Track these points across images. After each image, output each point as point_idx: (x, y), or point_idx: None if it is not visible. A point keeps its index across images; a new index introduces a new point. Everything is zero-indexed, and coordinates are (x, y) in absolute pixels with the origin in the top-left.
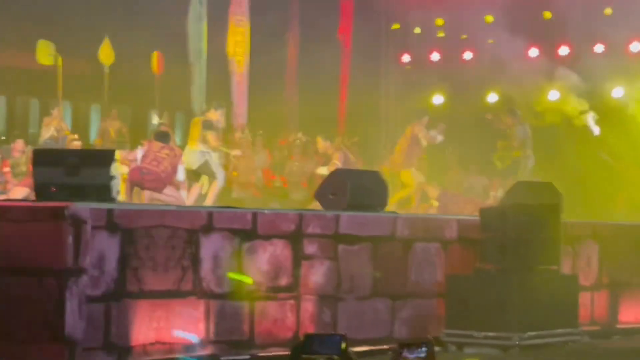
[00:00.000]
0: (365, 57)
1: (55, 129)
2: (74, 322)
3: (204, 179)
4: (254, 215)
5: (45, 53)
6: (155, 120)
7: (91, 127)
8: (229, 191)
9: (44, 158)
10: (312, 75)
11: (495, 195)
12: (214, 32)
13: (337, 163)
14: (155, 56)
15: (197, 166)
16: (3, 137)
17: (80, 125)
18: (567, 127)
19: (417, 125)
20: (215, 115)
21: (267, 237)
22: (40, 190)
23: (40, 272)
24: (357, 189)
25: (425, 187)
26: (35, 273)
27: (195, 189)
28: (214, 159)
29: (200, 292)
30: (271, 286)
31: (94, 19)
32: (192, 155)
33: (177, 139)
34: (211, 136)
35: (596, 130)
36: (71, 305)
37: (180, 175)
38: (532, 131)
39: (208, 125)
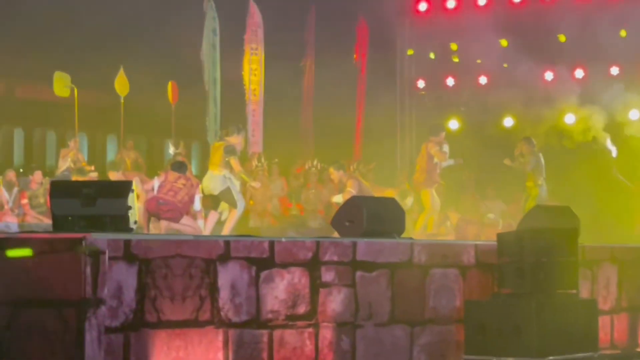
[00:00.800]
0: (381, 83)
1: (72, 160)
2: (93, 353)
3: (223, 205)
4: (271, 243)
5: (62, 85)
6: (171, 150)
7: (108, 158)
8: (246, 220)
9: (61, 190)
10: (327, 102)
11: (491, 218)
12: (229, 61)
13: (351, 191)
14: (170, 86)
15: (219, 192)
16: (21, 170)
17: (96, 156)
18: (582, 149)
19: (430, 143)
20: (237, 139)
21: (285, 265)
22: (58, 221)
23: (59, 303)
24: (373, 216)
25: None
26: (54, 304)
27: (213, 216)
28: (237, 187)
29: (218, 322)
30: (289, 314)
31: (109, 50)
32: (215, 180)
33: (193, 169)
34: (234, 161)
35: (614, 151)
36: (90, 336)
37: (197, 205)
38: (548, 154)
39: (231, 150)
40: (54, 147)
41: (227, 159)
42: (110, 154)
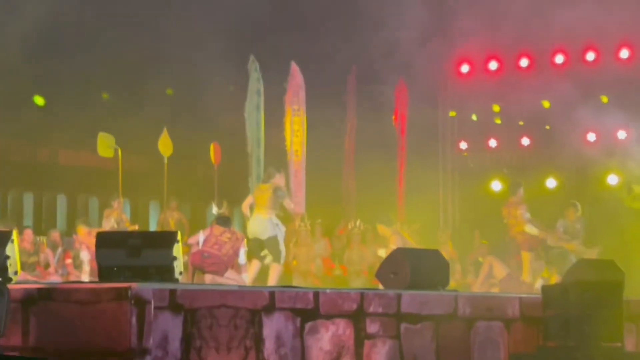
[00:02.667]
0: (423, 144)
1: (116, 220)
2: None
3: (266, 251)
4: (316, 294)
5: (106, 145)
6: (214, 210)
7: (150, 223)
8: (288, 280)
9: (107, 240)
10: (369, 163)
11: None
12: (271, 122)
13: (394, 248)
14: (212, 147)
15: (267, 237)
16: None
17: (139, 222)
18: (626, 207)
19: (512, 206)
20: (281, 180)
21: (329, 317)
22: (104, 271)
23: (105, 353)
24: (417, 268)
25: (494, 264)
26: (100, 354)
27: (256, 266)
28: (283, 234)
29: None
30: None
31: (152, 113)
32: (263, 223)
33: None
34: (288, 201)
35: None
36: None
37: (242, 259)
38: (593, 210)
39: (282, 194)
40: (97, 212)
41: (280, 202)
42: (153, 220)
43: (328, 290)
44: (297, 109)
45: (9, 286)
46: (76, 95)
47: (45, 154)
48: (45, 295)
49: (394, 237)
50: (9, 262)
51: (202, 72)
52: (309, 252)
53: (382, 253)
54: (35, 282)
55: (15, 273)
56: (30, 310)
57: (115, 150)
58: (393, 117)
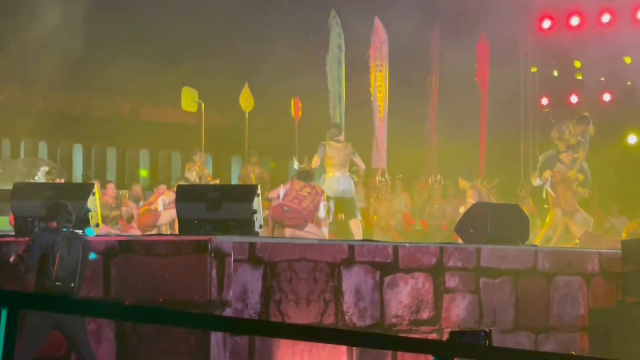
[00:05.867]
0: (505, 100)
1: (198, 175)
2: (218, 354)
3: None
4: (395, 248)
5: (189, 100)
6: (296, 165)
7: (232, 178)
8: (369, 235)
9: (187, 194)
10: (451, 118)
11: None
12: (353, 77)
13: (470, 201)
14: (293, 102)
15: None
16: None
17: (221, 176)
18: None
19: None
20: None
21: (409, 271)
22: (184, 224)
23: (185, 304)
24: (497, 222)
25: (570, 224)
26: (180, 306)
27: (356, 224)
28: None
29: (342, 326)
30: (413, 319)
31: (233, 68)
32: (350, 181)
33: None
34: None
35: None
36: (216, 338)
37: (322, 213)
38: None
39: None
40: (179, 167)
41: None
42: (235, 174)
43: (407, 244)
44: (380, 64)
45: (91, 238)
46: (159, 51)
47: (128, 109)
48: (126, 247)
49: (471, 191)
50: (90, 215)
51: (283, 27)
52: (390, 207)
53: (461, 210)
54: (117, 235)
55: (97, 225)
56: (111, 262)
57: (199, 105)
58: (475, 72)
